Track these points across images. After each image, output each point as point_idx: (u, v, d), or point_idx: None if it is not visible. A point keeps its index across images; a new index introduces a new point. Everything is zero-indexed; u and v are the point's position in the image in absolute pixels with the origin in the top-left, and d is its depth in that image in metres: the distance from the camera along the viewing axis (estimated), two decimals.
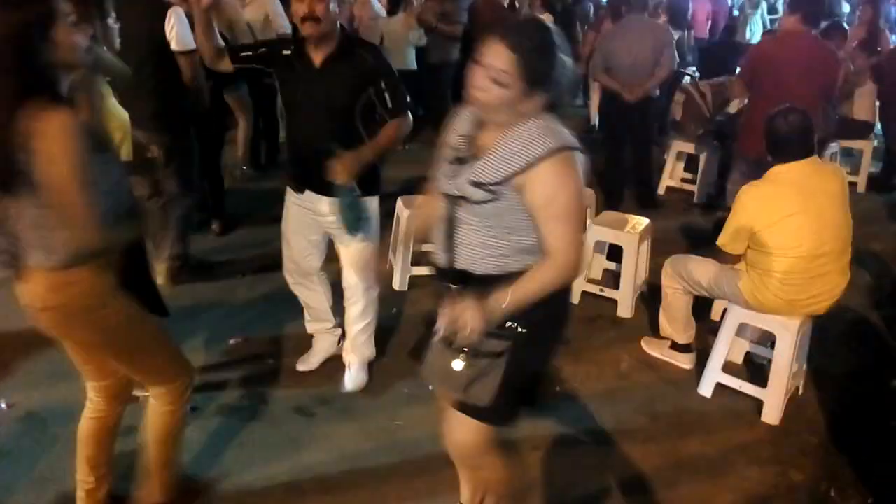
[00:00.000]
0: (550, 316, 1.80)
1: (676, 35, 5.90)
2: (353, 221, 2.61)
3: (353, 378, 2.99)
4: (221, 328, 3.47)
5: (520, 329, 1.72)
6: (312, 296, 3.05)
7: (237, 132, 5.57)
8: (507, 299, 1.64)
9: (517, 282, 1.65)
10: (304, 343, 3.22)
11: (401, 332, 3.52)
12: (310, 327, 3.16)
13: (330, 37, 2.54)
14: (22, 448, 2.63)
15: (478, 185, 1.63)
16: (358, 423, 2.81)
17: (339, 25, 2.60)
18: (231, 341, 3.38)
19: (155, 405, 2.14)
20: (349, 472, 2.54)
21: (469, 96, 1.63)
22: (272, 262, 3.37)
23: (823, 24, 4.88)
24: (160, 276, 3.65)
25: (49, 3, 1.63)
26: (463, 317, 1.60)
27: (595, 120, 7.35)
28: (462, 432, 1.93)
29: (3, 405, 2.86)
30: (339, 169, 2.45)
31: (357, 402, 2.93)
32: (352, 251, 2.79)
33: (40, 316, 1.84)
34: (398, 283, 3.94)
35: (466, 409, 1.84)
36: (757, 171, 4.17)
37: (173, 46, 3.40)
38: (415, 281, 3.98)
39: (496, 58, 1.56)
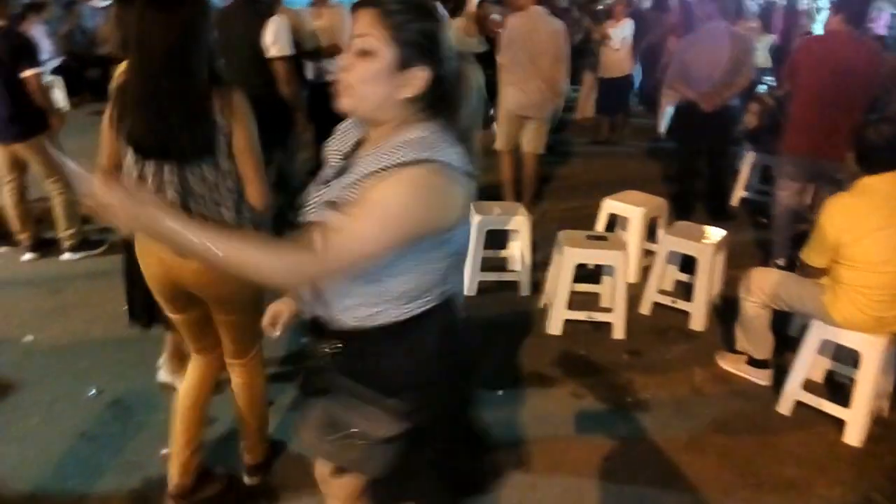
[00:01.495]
0: (454, 375, 1.47)
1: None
2: None
3: None
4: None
5: (412, 405, 1.40)
6: None
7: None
8: (179, 224, 1.24)
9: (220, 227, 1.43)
10: None
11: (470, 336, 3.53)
12: None
13: None
14: (110, 434, 2.76)
15: (333, 206, 1.30)
16: None
17: None
18: (304, 340, 3.46)
19: (243, 376, 2.33)
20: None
21: (337, 90, 1.31)
22: None
23: None
24: None
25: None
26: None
27: (663, 129, 7.24)
28: (340, 484, 1.67)
29: (93, 392, 3.01)
30: None
31: None
32: None
33: (203, 275, 1.99)
34: (469, 289, 3.96)
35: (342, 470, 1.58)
36: (802, 171, 4.11)
37: (272, 53, 3.55)
38: (484, 286, 4.01)
39: (359, 23, 1.27)
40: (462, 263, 1.49)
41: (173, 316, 2.22)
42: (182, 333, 2.31)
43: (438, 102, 1.33)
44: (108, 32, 9.46)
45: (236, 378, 2.34)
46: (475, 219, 3.93)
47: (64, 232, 4.42)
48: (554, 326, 3.60)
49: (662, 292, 3.89)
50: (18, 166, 4.28)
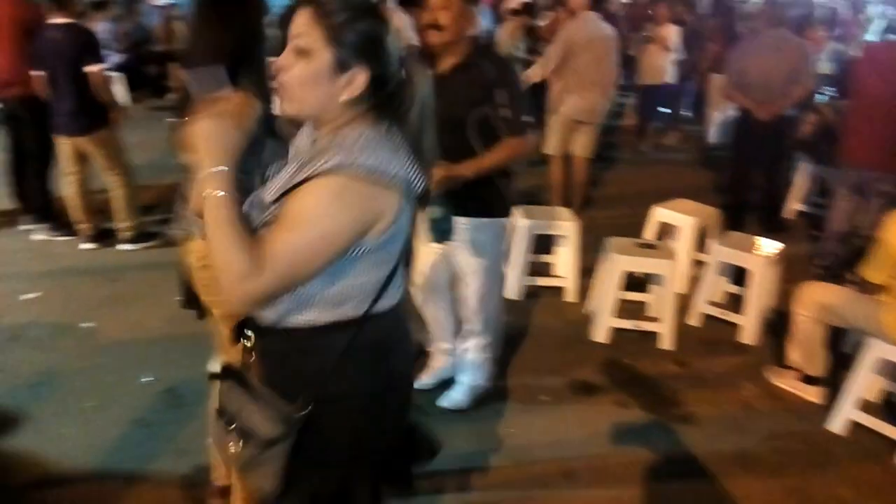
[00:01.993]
0: (361, 392, 1.38)
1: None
2: (438, 234, 2.66)
3: (451, 396, 2.96)
4: None
5: (299, 413, 1.31)
6: (436, 313, 3.00)
7: None
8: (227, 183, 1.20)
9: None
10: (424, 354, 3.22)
11: (515, 341, 3.53)
12: (430, 345, 3.12)
13: (455, 46, 2.47)
14: (163, 421, 2.84)
15: (262, 206, 1.29)
16: (470, 425, 2.85)
17: (472, 35, 2.53)
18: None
19: None
20: (459, 472, 2.58)
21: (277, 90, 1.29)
22: None
23: None
24: None
25: None
26: None
27: (712, 138, 7.12)
28: None
29: (148, 379, 3.10)
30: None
31: (481, 397, 2.97)
32: (471, 273, 2.74)
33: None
34: (514, 293, 3.96)
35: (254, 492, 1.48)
36: (858, 184, 3.99)
37: None
38: (529, 290, 4.01)
39: (296, 23, 1.25)
40: (399, 278, 1.40)
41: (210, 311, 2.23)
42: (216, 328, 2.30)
43: (382, 105, 1.30)
44: (164, 31, 9.77)
45: None
46: (523, 222, 3.93)
47: (122, 223, 4.57)
48: (599, 334, 3.57)
49: (712, 303, 3.82)
50: (81, 159, 4.42)
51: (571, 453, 2.72)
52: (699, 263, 4.15)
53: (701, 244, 4.24)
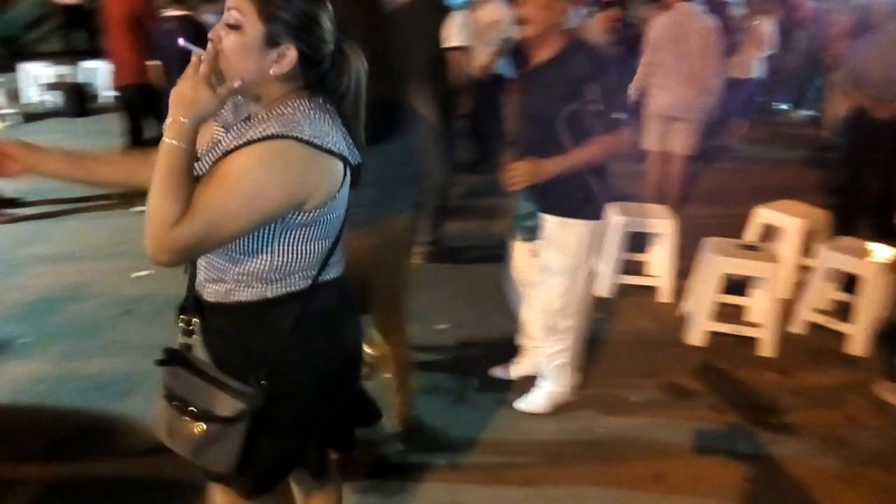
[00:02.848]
0: (312, 363, 1.43)
1: None
2: (523, 230, 2.62)
3: (529, 398, 2.92)
4: (434, 312, 3.65)
5: (258, 388, 1.34)
6: (527, 308, 2.99)
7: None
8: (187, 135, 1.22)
9: None
10: (511, 347, 3.22)
11: (605, 339, 3.48)
12: (519, 338, 3.12)
13: (546, 40, 2.44)
14: None
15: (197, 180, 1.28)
16: (560, 423, 2.82)
17: (565, 29, 2.47)
18: (439, 326, 3.54)
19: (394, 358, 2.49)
20: (549, 469, 2.57)
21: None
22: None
23: None
24: (418, 255, 4.07)
25: None
26: None
27: (831, 135, 6.72)
28: (213, 497, 1.63)
29: None
30: (513, 174, 2.41)
31: (560, 403, 2.94)
32: (551, 273, 2.67)
33: (374, 258, 2.14)
34: (604, 290, 3.89)
35: (207, 473, 1.50)
36: None
37: (452, 42, 3.76)
38: (621, 289, 3.93)
39: None
40: (340, 250, 1.44)
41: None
42: None
43: (315, 84, 1.33)
44: None
45: (389, 346, 2.49)
46: (617, 219, 3.85)
47: None
48: (695, 337, 3.46)
49: (818, 311, 3.63)
50: None
51: (662, 456, 2.65)
52: (804, 268, 3.95)
53: (807, 248, 4.03)
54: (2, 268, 4.17)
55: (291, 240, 1.32)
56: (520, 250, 2.90)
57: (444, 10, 3.98)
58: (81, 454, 2.58)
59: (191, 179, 1.23)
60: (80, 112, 8.32)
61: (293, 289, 1.36)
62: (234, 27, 1.25)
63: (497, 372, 3.14)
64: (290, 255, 1.34)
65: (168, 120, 1.22)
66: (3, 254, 4.38)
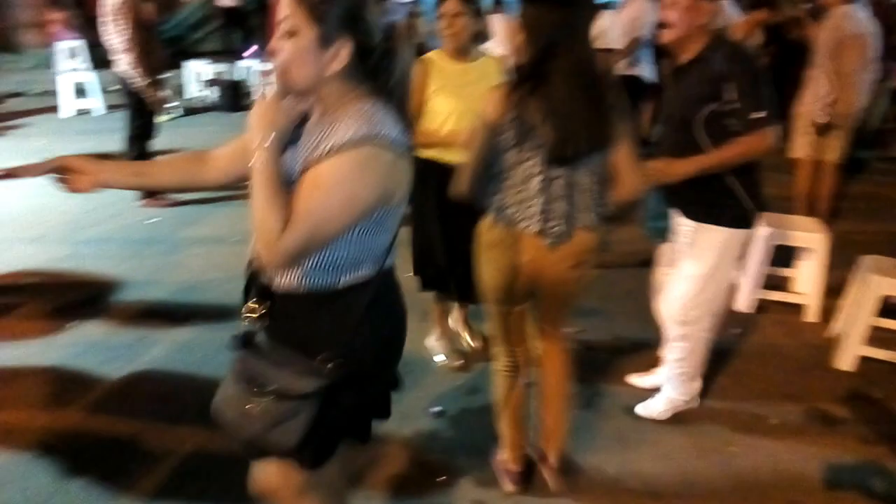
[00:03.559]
0: (375, 344, 1.53)
1: None
2: (653, 231, 2.52)
3: (648, 403, 2.84)
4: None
5: (333, 365, 1.44)
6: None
7: None
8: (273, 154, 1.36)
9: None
10: (647, 355, 3.16)
11: (742, 355, 3.31)
12: (662, 351, 3.02)
13: (689, 42, 2.39)
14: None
15: (288, 178, 1.39)
16: (690, 438, 2.72)
17: (709, 29, 2.39)
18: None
19: (555, 359, 2.38)
20: (679, 484, 2.48)
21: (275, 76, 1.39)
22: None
23: None
24: None
25: None
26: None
27: None
28: (268, 474, 1.67)
29: None
30: (645, 174, 2.33)
31: (691, 415, 2.84)
32: (682, 278, 2.60)
33: (569, 271, 2.12)
34: (743, 304, 3.70)
35: (269, 451, 1.56)
36: None
37: (598, 43, 3.76)
38: (763, 304, 3.73)
39: (282, 7, 1.34)
40: (396, 238, 1.51)
41: (504, 307, 2.23)
42: (505, 326, 2.30)
43: (371, 74, 1.38)
44: (407, 27, 10.41)
45: (547, 360, 2.38)
46: (762, 230, 3.65)
47: None
48: (845, 362, 3.21)
49: None
50: None
51: (801, 486, 2.49)
52: None
53: None
54: (164, 247, 4.59)
55: (365, 233, 1.41)
56: (662, 259, 2.83)
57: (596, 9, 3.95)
58: None
59: (285, 188, 1.34)
60: (235, 108, 8.94)
61: (362, 277, 1.45)
62: (290, 34, 1.33)
63: (633, 379, 3.08)
64: (363, 247, 1.42)
65: (255, 143, 1.34)
66: (165, 235, 4.81)
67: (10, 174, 1.51)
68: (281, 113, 1.36)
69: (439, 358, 3.23)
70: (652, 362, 3.04)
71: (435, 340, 3.26)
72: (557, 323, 2.35)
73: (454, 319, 3.37)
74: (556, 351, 2.38)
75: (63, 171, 1.51)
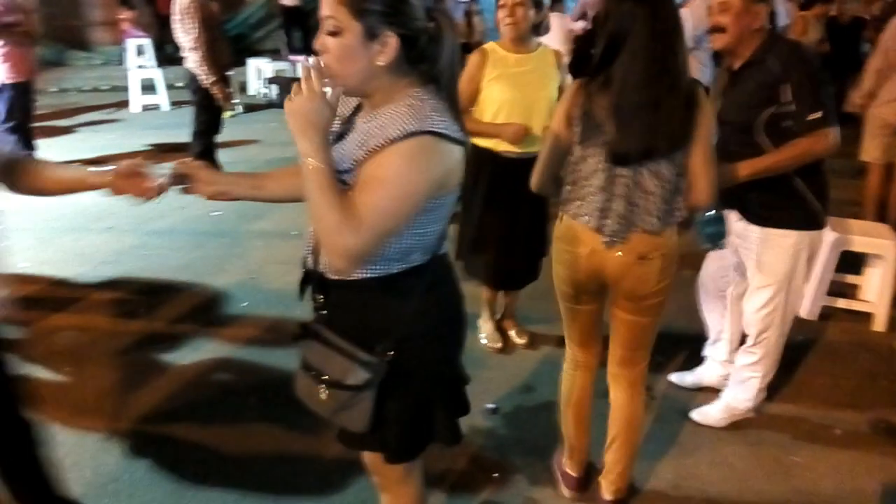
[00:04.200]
0: (432, 335, 1.50)
1: None
2: (706, 236, 2.47)
3: (704, 410, 2.78)
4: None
5: (385, 357, 1.42)
6: (712, 318, 2.92)
7: None
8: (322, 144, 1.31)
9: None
10: (692, 355, 3.13)
11: (805, 363, 3.22)
12: (705, 348, 3.03)
13: (742, 45, 2.34)
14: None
15: (342, 177, 1.36)
16: (750, 446, 2.66)
17: (763, 30, 2.33)
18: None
19: (626, 390, 2.22)
20: (737, 493, 2.44)
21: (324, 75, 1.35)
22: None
23: None
24: None
25: None
26: None
27: None
28: (373, 457, 1.67)
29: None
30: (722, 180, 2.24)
31: (751, 423, 2.78)
32: (752, 287, 2.54)
33: (627, 267, 2.00)
34: (806, 311, 3.60)
35: (347, 439, 1.60)
36: None
37: None
38: (827, 311, 3.62)
39: (324, 7, 1.32)
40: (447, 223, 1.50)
41: (572, 306, 2.18)
42: (570, 324, 2.24)
43: (418, 62, 1.37)
44: (464, 24, 10.41)
45: (616, 391, 2.24)
46: (829, 236, 3.54)
47: None
48: None
49: None
50: None
51: (864, 499, 2.42)
52: None
53: None
54: (228, 240, 4.72)
55: (418, 223, 1.38)
56: (712, 258, 2.78)
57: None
58: (294, 409, 2.85)
59: (338, 185, 1.32)
60: None
61: (414, 266, 1.44)
62: (334, 34, 1.32)
63: (673, 378, 3.04)
64: (415, 236, 1.41)
65: (299, 144, 1.31)
66: (229, 228, 4.95)
67: (157, 191, 1.60)
68: (321, 108, 1.30)
69: (482, 339, 3.32)
70: (693, 361, 3.04)
71: (481, 322, 3.34)
72: (632, 349, 2.18)
73: (500, 307, 3.42)
74: (627, 384, 2.22)
75: (186, 179, 1.58)
